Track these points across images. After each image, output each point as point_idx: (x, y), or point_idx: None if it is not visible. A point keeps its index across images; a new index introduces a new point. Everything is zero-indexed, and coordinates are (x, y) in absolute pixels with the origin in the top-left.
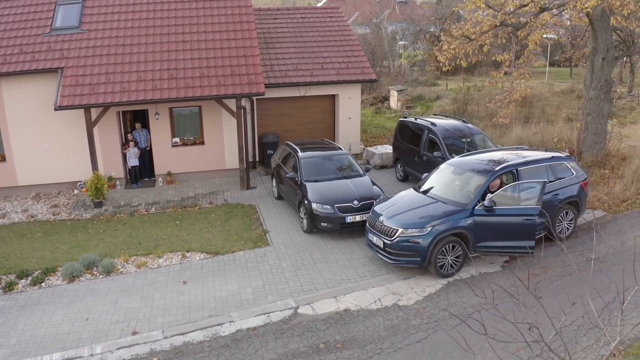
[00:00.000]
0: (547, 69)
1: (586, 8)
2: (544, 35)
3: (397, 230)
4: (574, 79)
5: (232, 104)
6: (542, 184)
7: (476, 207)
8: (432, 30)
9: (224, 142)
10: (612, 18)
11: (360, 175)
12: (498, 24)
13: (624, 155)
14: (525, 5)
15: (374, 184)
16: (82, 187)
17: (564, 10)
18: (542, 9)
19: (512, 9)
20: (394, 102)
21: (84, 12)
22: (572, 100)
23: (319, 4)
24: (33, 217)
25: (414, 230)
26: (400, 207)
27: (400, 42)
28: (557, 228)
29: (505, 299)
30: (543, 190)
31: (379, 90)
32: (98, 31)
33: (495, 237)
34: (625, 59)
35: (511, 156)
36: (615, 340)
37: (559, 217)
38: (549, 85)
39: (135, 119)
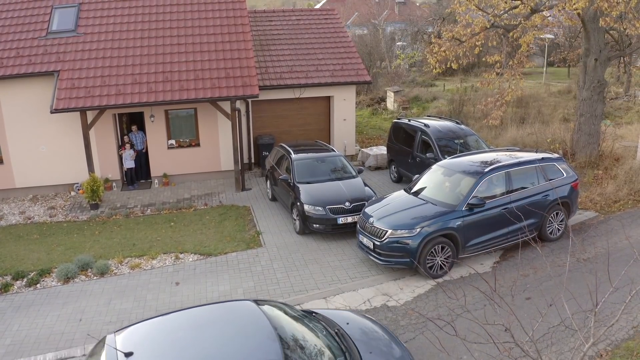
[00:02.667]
0: (544, 69)
1: (575, 9)
2: (542, 36)
3: (387, 231)
4: (571, 79)
5: (226, 106)
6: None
7: (465, 208)
8: (430, 31)
9: (219, 144)
10: (601, 19)
11: (353, 177)
12: (489, 26)
13: (618, 156)
14: (515, 7)
15: (366, 185)
16: (78, 189)
17: (553, 11)
18: (533, 11)
19: (503, 10)
20: (390, 103)
21: (80, 16)
22: (568, 101)
23: (318, 6)
24: (30, 219)
25: (403, 231)
26: (390, 208)
27: (398, 43)
28: (547, 229)
29: (493, 300)
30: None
31: (375, 92)
32: (94, 34)
33: (485, 232)
34: (620, 59)
35: (502, 157)
36: (589, 342)
37: (550, 218)
38: (545, 85)
39: (132, 121)
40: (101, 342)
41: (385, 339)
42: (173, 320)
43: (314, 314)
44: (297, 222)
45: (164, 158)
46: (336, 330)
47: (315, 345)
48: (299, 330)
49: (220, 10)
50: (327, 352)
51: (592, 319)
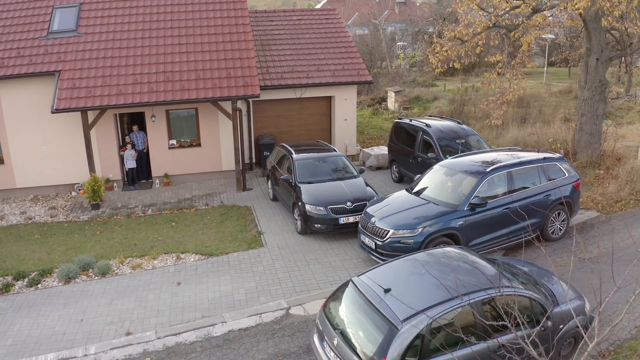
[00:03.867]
0: (545, 69)
1: (577, 9)
2: (542, 36)
3: (389, 231)
4: (572, 79)
5: (228, 106)
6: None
7: (467, 208)
8: (430, 30)
9: (220, 144)
10: (603, 19)
11: (354, 177)
12: (491, 26)
13: (619, 156)
14: (517, 7)
15: (367, 185)
16: (79, 189)
17: (554, 11)
18: (535, 10)
19: (505, 10)
20: (391, 103)
21: (80, 16)
22: (569, 101)
23: (318, 6)
24: (31, 219)
25: (405, 231)
26: (392, 208)
27: (399, 43)
28: (549, 228)
29: None
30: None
31: (376, 92)
32: (95, 34)
33: (487, 232)
34: (621, 59)
35: (504, 157)
36: (593, 342)
37: (552, 218)
38: (546, 85)
39: (133, 121)
40: (345, 285)
41: (554, 277)
42: (403, 263)
43: (494, 260)
44: (299, 222)
45: (165, 158)
46: (519, 270)
47: (517, 278)
48: (499, 267)
49: (221, 10)
50: (529, 284)
51: (596, 318)
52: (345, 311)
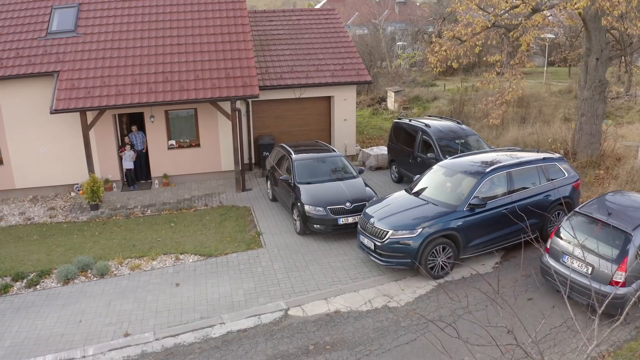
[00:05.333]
0: (545, 68)
1: (577, 9)
2: (542, 35)
3: (388, 232)
4: (572, 79)
5: (227, 106)
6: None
7: (466, 209)
8: (430, 30)
9: (219, 144)
10: (602, 19)
11: (354, 177)
12: (490, 26)
13: (619, 156)
14: (516, 7)
15: (367, 185)
16: (78, 190)
17: (554, 11)
18: (534, 10)
19: (504, 10)
20: (391, 103)
21: (79, 16)
22: (569, 100)
23: (318, 6)
24: (30, 220)
25: (404, 232)
26: (391, 209)
27: (399, 43)
28: (549, 229)
29: (495, 301)
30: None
31: (376, 92)
32: (94, 35)
33: (486, 232)
34: (621, 58)
35: (503, 157)
36: (593, 344)
37: (551, 218)
38: (546, 85)
39: (132, 122)
40: (563, 219)
41: None
42: (599, 200)
43: None
44: (298, 223)
45: (164, 158)
46: None
47: None
48: None
49: (221, 11)
50: None
51: (596, 320)
52: (581, 231)
